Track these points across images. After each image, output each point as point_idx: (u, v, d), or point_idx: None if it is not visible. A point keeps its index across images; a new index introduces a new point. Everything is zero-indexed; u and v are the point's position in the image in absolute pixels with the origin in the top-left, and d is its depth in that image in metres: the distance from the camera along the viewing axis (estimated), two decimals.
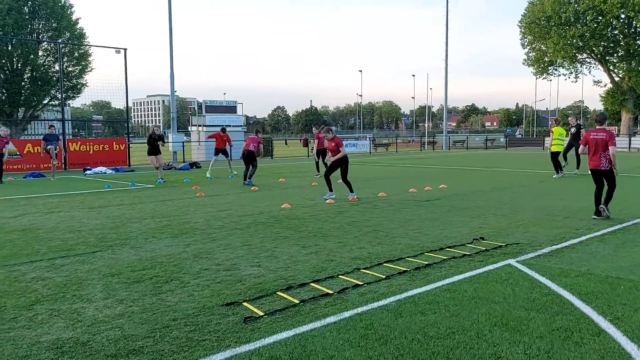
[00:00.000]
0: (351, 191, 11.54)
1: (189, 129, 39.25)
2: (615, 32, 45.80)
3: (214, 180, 16.90)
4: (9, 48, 29.57)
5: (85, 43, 31.05)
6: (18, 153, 21.28)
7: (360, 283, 5.11)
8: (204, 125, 34.38)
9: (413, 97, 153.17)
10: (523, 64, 54.05)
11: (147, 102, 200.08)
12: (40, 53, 31.09)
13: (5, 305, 4.61)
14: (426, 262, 5.86)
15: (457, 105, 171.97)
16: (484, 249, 6.50)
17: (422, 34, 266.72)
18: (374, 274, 5.46)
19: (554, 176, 16.23)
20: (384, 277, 5.32)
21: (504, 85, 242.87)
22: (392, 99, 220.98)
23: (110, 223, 8.82)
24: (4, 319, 4.29)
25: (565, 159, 17.39)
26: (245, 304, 4.57)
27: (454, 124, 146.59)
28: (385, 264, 5.85)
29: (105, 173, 20.56)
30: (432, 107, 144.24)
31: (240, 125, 36.78)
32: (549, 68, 52.56)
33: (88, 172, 20.36)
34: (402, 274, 5.43)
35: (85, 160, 22.93)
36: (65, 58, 30.74)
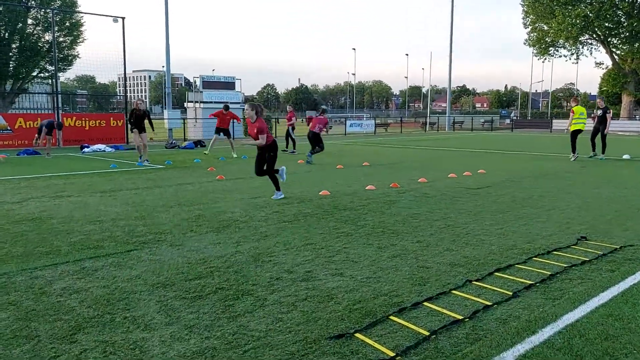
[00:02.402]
0: (277, 189, 8.86)
1: (185, 105, 37.75)
2: (620, 12, 44.79)
3: (227, 161, 15.68)
4: None
5: (79, 11, 29.23)
6: (9, 128, 19.78)
7: (489, 303, 4.02)
8: (201, 102, 32.92)
9: (406, 77, 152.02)
10: (524, 44, 52.81)
11: (133, 77, 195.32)
12: (30, 22, 29.20)
13: (39, 335, 3.45)
14: (547, 272, 4.79)
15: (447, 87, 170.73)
16: (601, 253, 5.43)
17: (415, 13, 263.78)
18: (493, 288, 4.38)
19: (571, 159, 15.49)
20: (510, 293, 4.24)
21: (492, 67, 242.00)
22: (382, 79, 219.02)
23: (133, 212, 7.62)
24: (43, 358, 3.14)
25: (593, 147, 16.45)
26: (358, 335, 3.46)
27: (444, 104, 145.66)
28: (496, 274, 4.77)
29: (104, 151, 19.18)
30: (423, 87, 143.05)
31: (239, 102, 35.34)
32: (550, 49, 51.49)
33: (86, 149, 18.98)
34: (529, 289, 4.35)
35: (81, 137, 21.50)
36: (56, 27, 28.91)
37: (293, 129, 19.54)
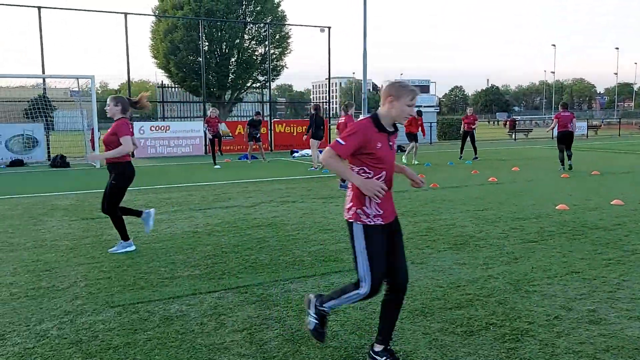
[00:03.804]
0: (123, 237, 6.03)
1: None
2: None
3: (432, 167, 15.09)
4: (219, 34, 31.00)
5: (291, 23, 31.69)
6: (230, 134, 21.80)
7: None
8: None
9: (616, 73, 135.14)
10: None
11: (324, 84, 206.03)
12: (246, 37, 32.21)
13: None
14: None
15: None
16: None
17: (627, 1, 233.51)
18: None
19: None
20: None
21: None
22: (583, 76, 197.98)
23: None
24: None
25: None
26: None
27: None
28: None
29: (310, 156, 20.00)
30: (634, 84, 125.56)
31: (433, 106, 34.43)
32: None
33: (296, 154, 20.02)
34: None
35: (290, 142, 22.84)
36: (267, 41, 31.39)
37: (472, 134, 17.76)
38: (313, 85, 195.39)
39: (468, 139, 17.66)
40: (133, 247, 6.05)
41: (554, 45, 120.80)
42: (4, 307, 4.20)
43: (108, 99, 6.01)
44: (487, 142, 28.45)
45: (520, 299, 4.26)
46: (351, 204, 3.12)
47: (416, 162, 15.97)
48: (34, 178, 13.73)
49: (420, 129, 16.86)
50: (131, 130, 5.92)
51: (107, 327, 3.80)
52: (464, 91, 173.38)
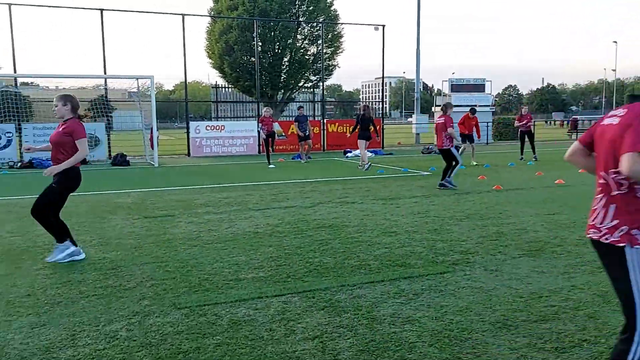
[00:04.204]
0: (59, 239, 5.43)
1: (433, 110, 37.38)
2: None
3: (491, 168, 14.55)
4: (272, 34, 31.19)
5: (345, 22, 31.61)
6: (283, 134, 21.82)
7: None
8: None
9: None
10: None
11: (374, 83, 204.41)
12: (298, 37, 32.29)
13: None
14: None
15: None
16: None
17: None
18: None
19: None
20: None
21: None
22: None
23: (423, 224, 7.17)
24: None
25: None
26: None
27: None
28: None
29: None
30: None
31: (489, 105, 33.42)
32: None
33: (349, 154, 19.83)
34: None
35: (342, 142, 22.64)
36: (320, 40, 31.34)
37: (530, 133, 17.01)
38: (362, 85, 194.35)
39: (526, 138, 17.07)
40: (82, 256, 5.49)
41: (615, 41, 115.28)
42: (74, 306, 4.20)
43: (55, 98, 5.42)
44: (547, 143, 27.35)
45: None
46: (617, 221, 2.38)
47: (474, 163, 15.43)
48: (96, 176, 14.11)
49: (475, 129, 16.26)
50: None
51: (175, 329, 3.72)
52: (518, 90, 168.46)
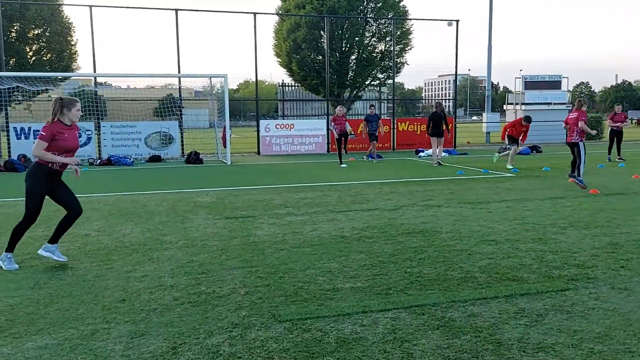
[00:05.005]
0: (9, 248, 5.33)
1: (505, 108, 35.88)
2: None
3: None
4: (340, 32, 30.85)
5: (416, 17, 30.75)
6: (353, 133, 21.43)
7: None
8: (522, 104, 30.50)
9: None
10: None
11: (438, 81, 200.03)
12: (366, 34, 31.76)
13: None
14: None
15: None
16: None
17: None
18: None
19: None
20: None
21: None
22: None
23: (523, 231, 6.59)
24: None
25: None
26: None
27: None
28: None
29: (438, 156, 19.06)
30: None
31: (564, 103, 31.66)
32: None
33: (421, 154, 19.20)
34: None
35: (413, 141, 22.04)
36: (388, 37, 30.70)
37: (620, 133, 16.00)
38: (425, 83, 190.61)
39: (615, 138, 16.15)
40: (16, 266, 5.17)
41: None
42: (170, 314, 4.00)
43: (79, 104, 5.35)
44: (629, 144, 25.55)
45: None
46: None
47: (510, 167, 14.13)
48: (173, 174, 14.27)
49: (522, 135, 14.81)
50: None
51: (280, 346, 3.42)
52: (590, 87, 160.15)
